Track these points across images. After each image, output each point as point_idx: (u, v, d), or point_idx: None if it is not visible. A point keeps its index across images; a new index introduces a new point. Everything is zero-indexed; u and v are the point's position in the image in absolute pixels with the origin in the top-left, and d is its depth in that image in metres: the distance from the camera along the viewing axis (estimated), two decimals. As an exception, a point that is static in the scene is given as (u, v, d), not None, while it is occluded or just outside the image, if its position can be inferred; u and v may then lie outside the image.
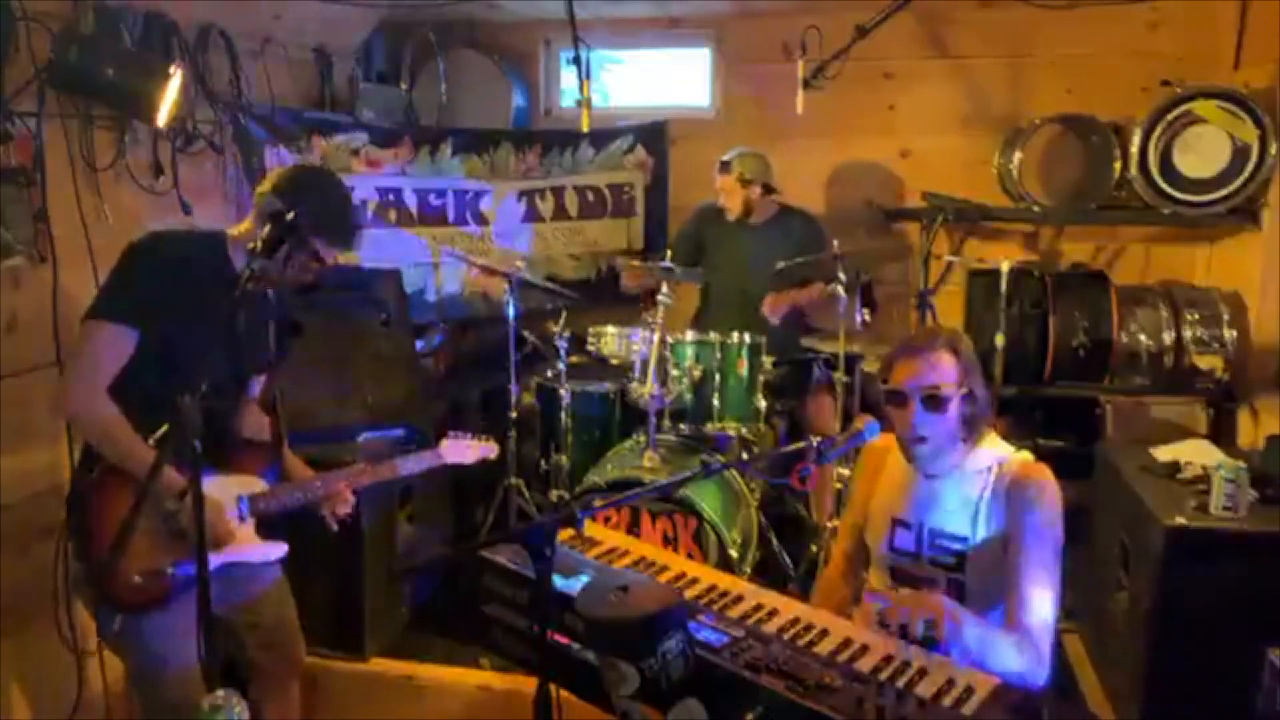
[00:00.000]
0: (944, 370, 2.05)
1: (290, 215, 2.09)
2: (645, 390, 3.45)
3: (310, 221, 2.16)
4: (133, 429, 2.13)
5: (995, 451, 2.12)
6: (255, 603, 2.47)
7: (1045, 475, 2.06)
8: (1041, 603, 1.95)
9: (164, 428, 1.89)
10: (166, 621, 2.16)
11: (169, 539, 2.18)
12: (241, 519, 2.31)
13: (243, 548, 2.32)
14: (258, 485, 2.36)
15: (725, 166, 4.08)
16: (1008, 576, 1.99)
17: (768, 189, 4.12)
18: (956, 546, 2.07)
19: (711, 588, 1.97)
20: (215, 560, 2.21)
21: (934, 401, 2.03)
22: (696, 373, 3.59)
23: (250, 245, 2.12)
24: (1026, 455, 2.13)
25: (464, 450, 2.74)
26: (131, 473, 2.12)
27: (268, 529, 2.39)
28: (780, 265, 3.82)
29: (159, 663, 2.21)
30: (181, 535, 2.17)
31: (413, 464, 2.63)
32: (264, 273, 2.10)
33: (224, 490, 2.29)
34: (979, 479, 2.09)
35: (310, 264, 2.29)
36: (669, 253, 4.01)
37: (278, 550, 2.40)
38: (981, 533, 2.06)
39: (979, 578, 2.05)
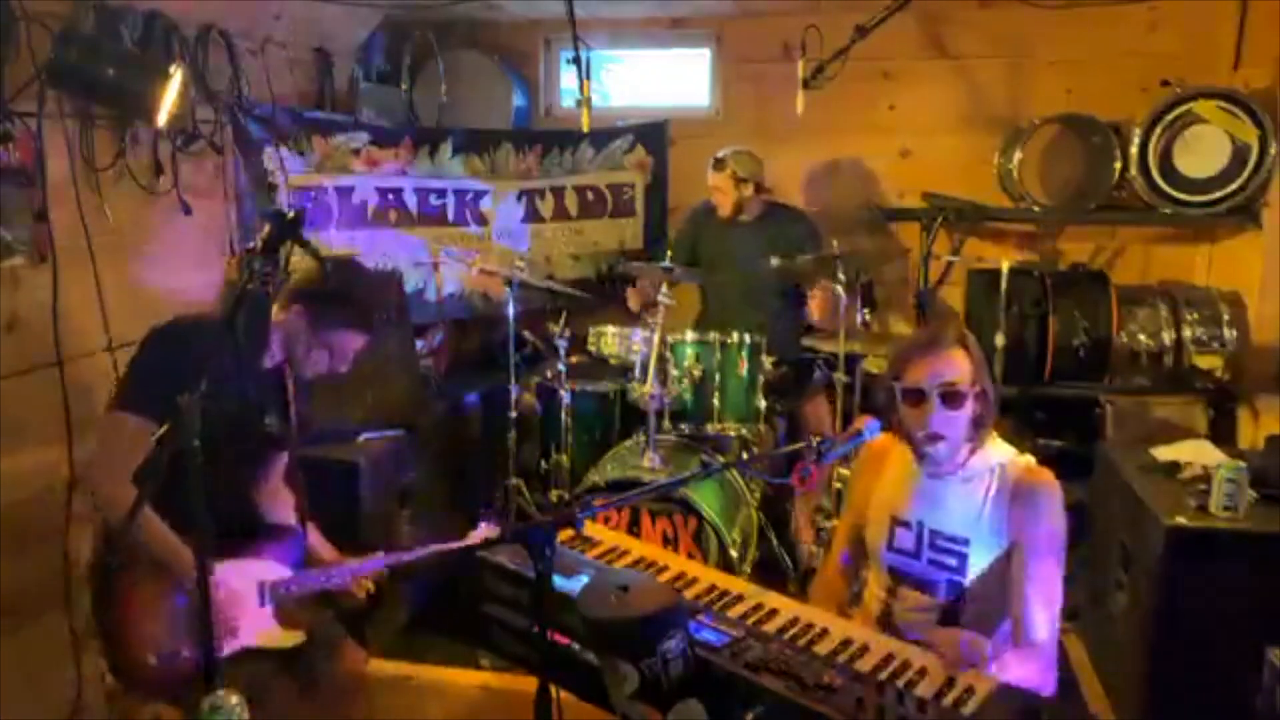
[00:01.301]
0: (960, 366, 2.04)
1: (290, 214, 2.09)
2: (645, 390, 3.46)
3: (344, 325, 2.27)
4: (158, 518, 2.12)
5: (998, 453, 2.12)
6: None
7: (1051, 482, 2.05)
8: (1050, 615, 1.96)
9: (163, 428, 1.89)
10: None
11: (189, 624, 2.17)
12: (261, 603, 2.29)
13: (264, 634, 2.30)
14: (280, 572, 2.34)
15: (719, 163, 4.09)
16: (1014, 585, 1.99)
17: (759, 187, 4.13)
18: (957, 548, 2.07)
19: (711, 588, 1.97)
20: (232, 645, 2.21)
21: (953, 398, 2.02)
22: (696, 373, 3.59)
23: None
24: (1029, 459, 2.12)
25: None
26: (156, 557, 2.12)
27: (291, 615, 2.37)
28: (775, 261, 3.82)
29: None
30: (197, 618, 2.15)
31: (443, 549, 2.56)
32: (265, 273, 2.10)
33: (245, 576, 2.26)
34: (981, 481, 2.09)
35: (323, 348, 2.32)
36: (669, 254, 4.01)
37: (295, 638, 2.36)
38: (984, 535, 2.05)
39: (980, 580, 2.04)
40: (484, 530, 2.56)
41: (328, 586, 2.39)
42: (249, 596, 2.27)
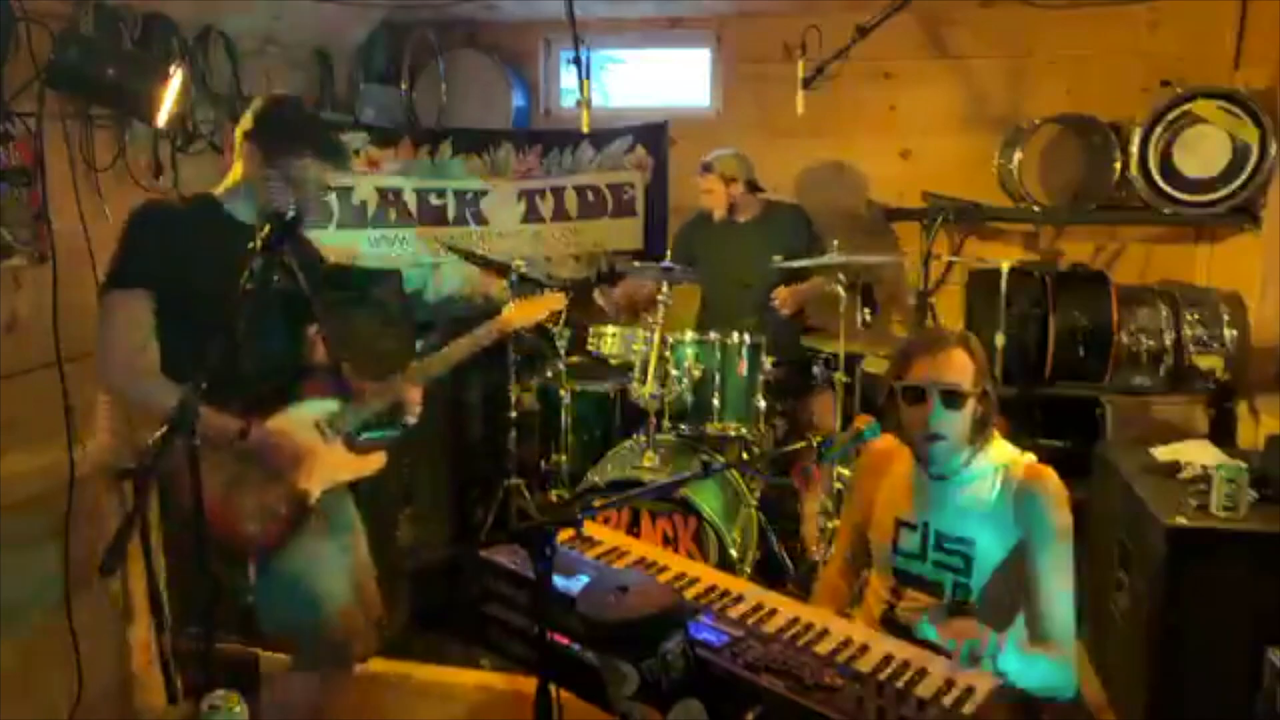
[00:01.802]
0: (962, 367, 2.04)
1: (290, 214, 2.09)
2: (645, 390, 3.46)
3: (300, 148, 2.25)
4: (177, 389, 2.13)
5: (1001, 454, 2.12)
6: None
7: (1054, 479, 2.05)
8: (1064, 614, 1.96)
9: (162, 428, 1.89)
10: (301, 557, 2.23)
11: (262, 478, 2.22)
12: (325, 439, 2.35)
13: (342, 466, 2.37)
14: (329, 406, 2.39)
15: (706, 167, 4.11)
16: (1025, 587, 1.99)
17: (752, 186, 4.13)
18: (963, 549, 2.07)
19: (711, 588, 1.97)
20: (318, 486, 2.29)
21: (953, 399, 2.02)
22: (696, 373, 3.59)
23: (253, 184, 2.17)
24: (1031, 458, 2.12)
25: (529, 308, 2.77)
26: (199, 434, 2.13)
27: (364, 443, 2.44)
28: (777, 260, 3.82)
29: (302, 596, 2.25)
30: (273, 470, 2.21)
31: (475, 339, 2.68)
32: (265, 273, 2.10)
33: (296, 418, 2.32)
34: (986, 482, 2.09)
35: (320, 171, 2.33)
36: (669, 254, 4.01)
37: (377, 460, 2.44)
38: (989, 536, 2.05)
39: (986, 582, 2.04)
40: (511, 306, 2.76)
41: (380, 410, 2.46)
42: (311, 436, 2.33)
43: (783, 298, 3.98)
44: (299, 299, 2.41)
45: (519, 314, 2.78)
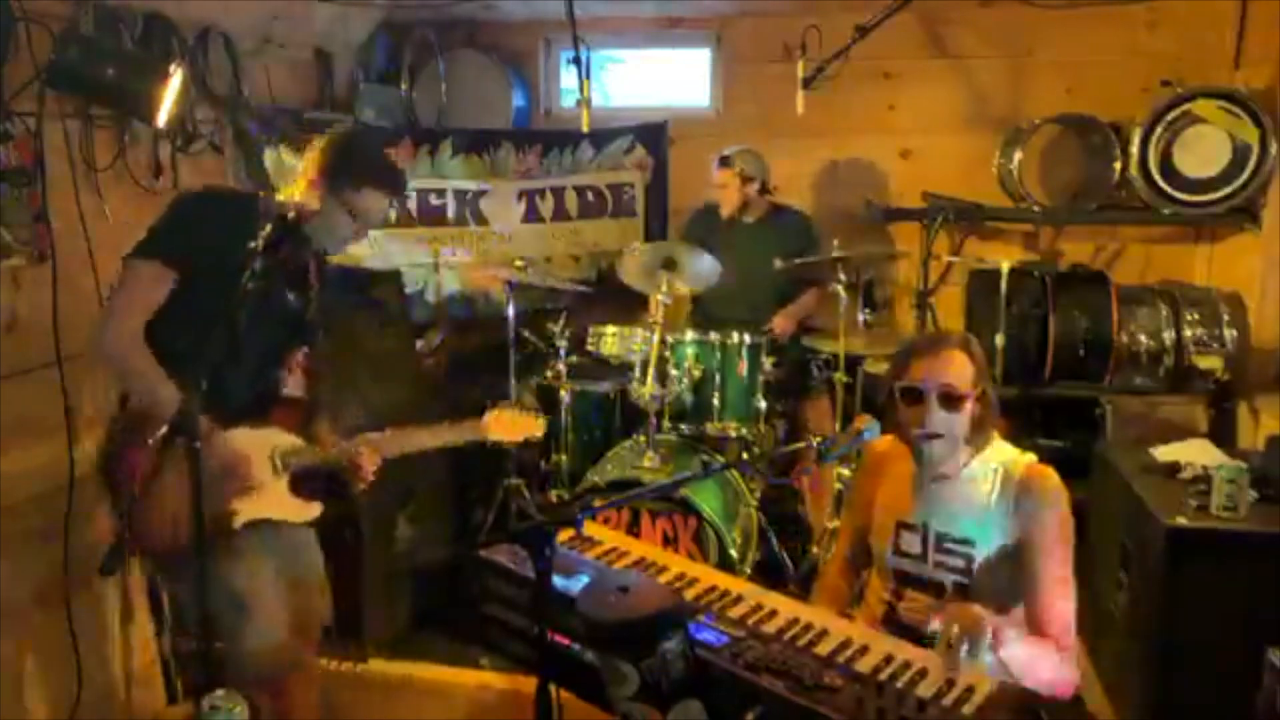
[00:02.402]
0: (960, 369, 2.04)
1: (290, 215, 2.10)
2: (645, 390, 3.46)
3: (369, 182, 2.28)
4: (165, 373, 2.14)
5: (1001, 454, 2.12)
6: (294, 584, 2.44)
7: (1053, 478, 2.05)
8: (1065, 612, 1.96)
9: (164, 428, 1.89)
10: (231, 564, 2.19)
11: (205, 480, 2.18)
12: (274, 472, 2.32)
13: (277, 505, 2.33)
14: (291, 440, 2.36)
15: (725, 161, 4.09)
16: (1027, 585, 1.99)
17: (764, 188, 4.13)
18: (964, 550, 2.07)
19: (711, 588, 1.97)
20: (249, 514, 2.25)
21: (951, 400, 2.03)
22: (696, 373, 3.59)
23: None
24: (1031, 457, 2.12)
25: (509, 426, 2.68)
26: (159, 412, 2.12)
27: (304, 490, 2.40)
28: (779, 265, 3.82)
29: (235, 607, 2.22)
30: (212, 479, 2.14)
31: (450, 434, 2.61)
32: (266, 274, 2.11)
33: (255, 442, 2.29)
34: (986, 482, 2.09)
35: (345, 212, 2.33)
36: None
37: (312, 511, 2.39)
38: (990, 536, 2.05)
39: (988, 582, 2.04)
40: (498, 416, 2.64)
41: (335, 461, 2.41)
42: (262, 463, 2.30)
43: (780, 326, 3.97)
44: (297, 319, 2.41)
45: (499, 428, 2.68)
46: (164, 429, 1.83)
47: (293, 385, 2.48)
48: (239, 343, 1.87)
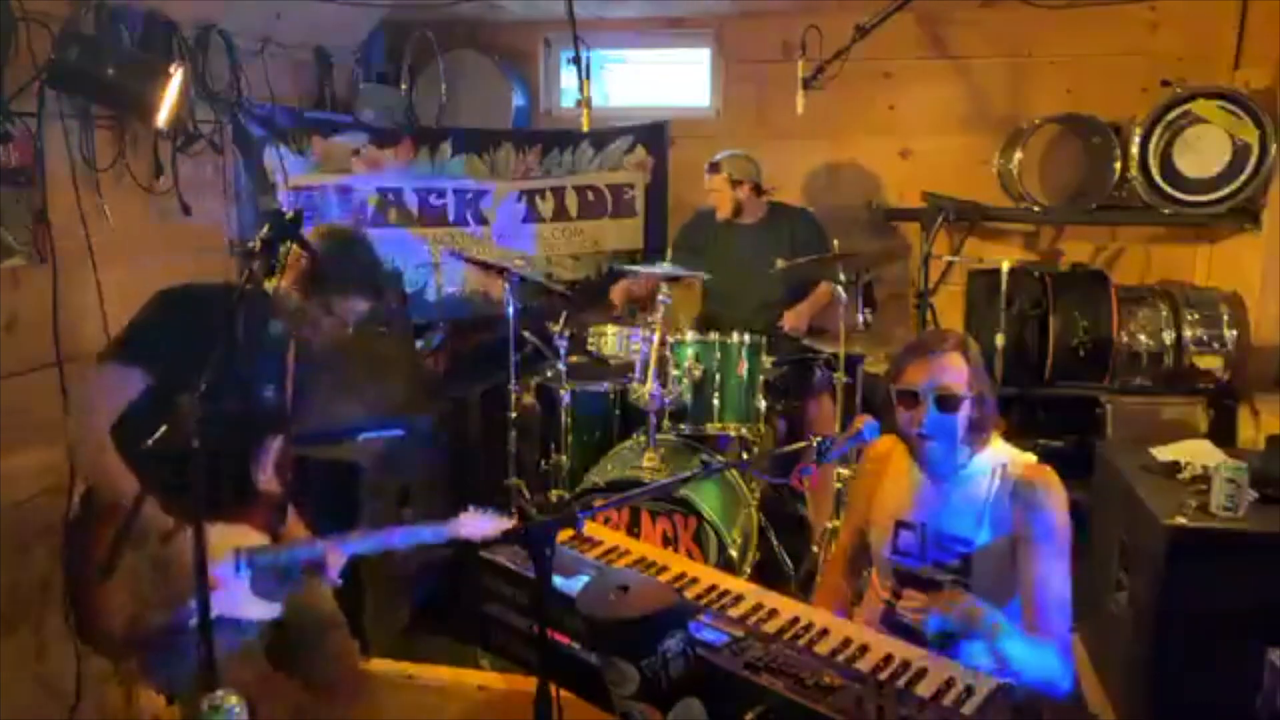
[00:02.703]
0: (956, 372, 2.05)
1: (290, 214, 2.09)
2: (645, 390, 3.45)
3: (354, 289, 2.29)
4: (129, 470, 2.13)
5: (999, 454, 2.13)
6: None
7: (1051, 477, 2.06)
8: (1061, 610, 1.96)
9: (162, 428, 1.89)
10: (174, 655, 2.15)
11: (153, 585, 2.15)
12: (238, 572, 2.27)
13: (234, 603, 2.27)
14: (256, 539, 2.32)
15: (714, 167, 4.11)
16: (1021, 583, 2.00)
17: (758, 189, 4.13)
18: (961, 549, 2.07)
19: (711, 588, 1.97)
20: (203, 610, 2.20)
21: (946, 402, 2.04)
22: (696, 373, 3.59)
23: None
24: (1030, 457, 2.13)
25: (483, 526, 2.67)
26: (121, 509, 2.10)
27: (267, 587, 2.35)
28: (781, 264, 3.82)
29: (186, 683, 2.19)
30: (167, 581, 2.14)
31: (426, 535, 2.54)
32: (264, 275, 2.11)
33: (221, 539, 2.23)
34: (984, 481, 2.09)
35: (324, 313, 2.33)
36: (669, 252, 4.01)
37: (270, 611, 2.33)
38: (987, 535, 2.05)
39: (985, 581, 2.04)
40: (470, 517, 2.55)
41: (302, 561, 2.37)
42: (225, 565, 2.25)
43: (791, 321, 3.98)
44: (272, 411, 2.39)
45: (469, 530, 2.69)
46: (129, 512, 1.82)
47: (266, 480, 2.45)
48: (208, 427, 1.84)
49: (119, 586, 2.10)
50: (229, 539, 2.27)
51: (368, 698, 2.65)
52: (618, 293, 4.25)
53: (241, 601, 2.28)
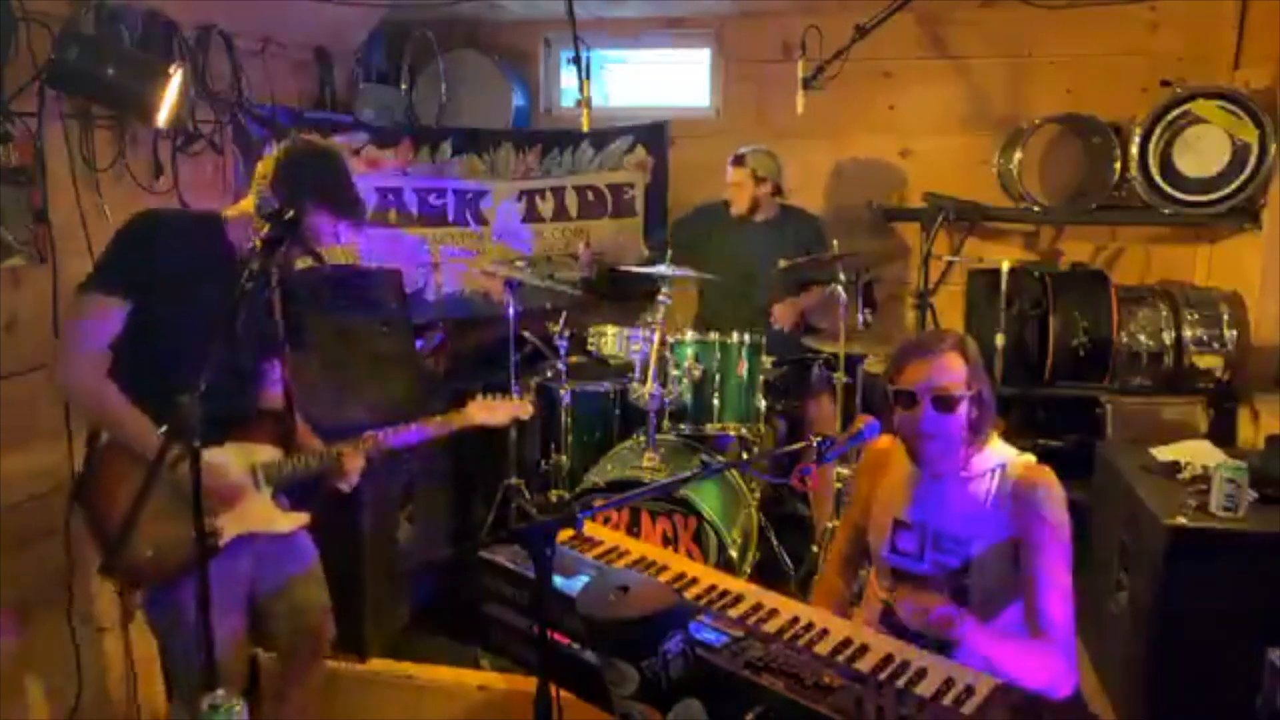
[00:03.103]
0: (953, 372, 2.05)
1: (289, 214, 2.09)
2: (645, 390, 3.45)
3: (314, 200, 2.21)
4: (132, 405, 2.14)
5: (999, 454, 2.12)
6: (287, 590, 2.46)
7: (1051, 478, 2.06)
8: (1062, 611, 1.96)
9: (163, 428, 1.89)
10: (192, 593, 2.17)
11: (179, 508, 2.18)
12: (257, 486, 2.31)
13: (262, 518, 2.32)
14: (271, 453, 2.35)
15: (739, 160, 4.09)
16: (1022, 584, 1.99)
17: (778, 189, 4.13)
18: (960, 550, 2.07)
19: (711, 588, 1.97)
20: (234, 529, 2.24)
21: (944, 402, 2.03)
22: (696, 373, 3.59)
23: (251, 241, 2.12)
24: (1029, 457, 2.12)
25: (493, 410, 2.67)
26: (129, 445, 2.14)
27: (293, 502, 2.40)
28: (783, 264, 3.82)
29: (187, 631, 2.19)
30: (186, 503, 2.15)
31: (437, 426, 2.58)
32: (263, 271, 2.11)
33: (235, 457, 2.29)
34: (983, 481, 2.09)
35: (307, 251, 2.31)
36: (668, 250, 4.00)
37: (298, 520, 2.39)
38: (986, 535, 2.05)
39: (984, 581, 2.04)
40: (481, 403, 2.63)
41: (319, 469, 2.40)
42: (243, 478, 2.29)
43: (780, 315, 3.98)
44: (270, 331, 2.39)
45: (483, 412, 2.68)
46: (156, 453, 1.82)
47: (270, 398, 2.47)
48: (195, 356, 1.82)
49: (146, 520, 2.07)
50: (242, 455, 2.31)
51: (322, 675, 2.65)
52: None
53: (265, 515, 2.33)
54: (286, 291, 2.43)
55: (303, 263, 2.42)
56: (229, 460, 2.27)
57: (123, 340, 2.17)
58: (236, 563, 2.30)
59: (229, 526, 2.24)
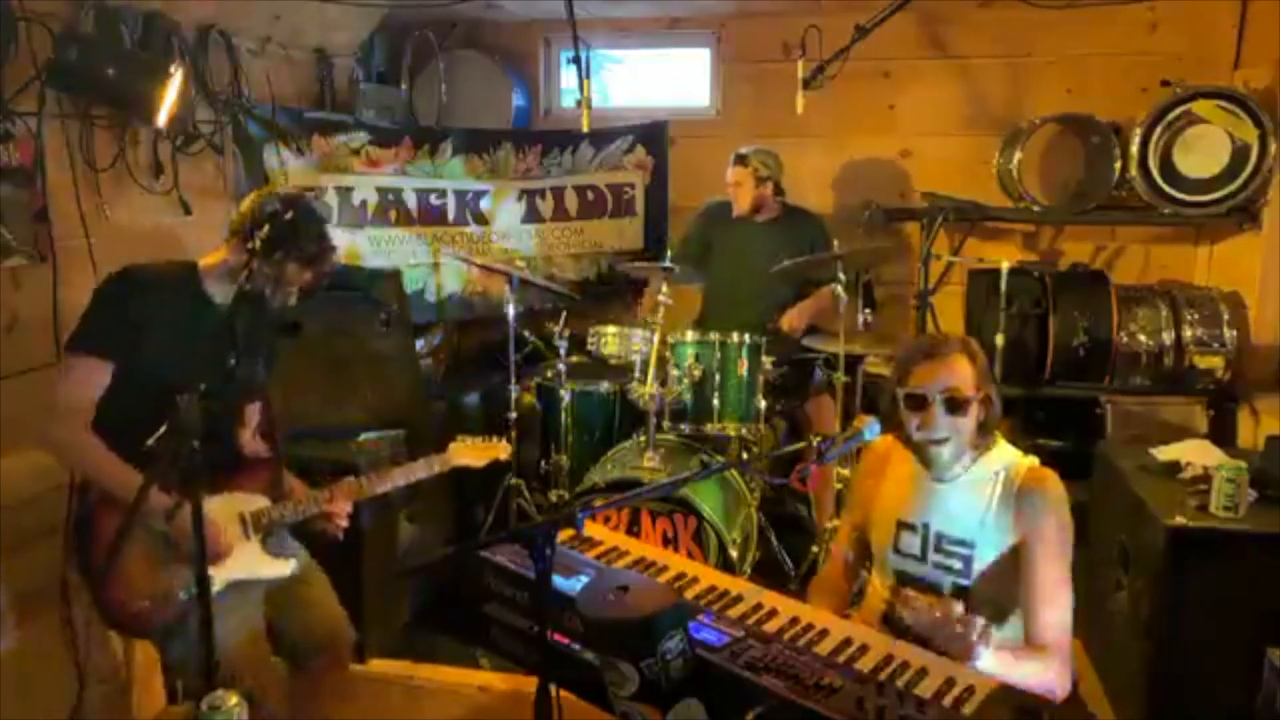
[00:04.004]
0: (963, 373, 2.05)
1: (290, 214, 2.10)
2: (645, 390, 3.45)
3: (286, 252, 2.26)
4: (118, 458, 2.17)
5: (1002, 456, 2.12)
6: (292, 596, 2.47)
7: (1055, 482, 2.05)
8: (1062, 616, 1.96)
9: (162, 428, 1.89)
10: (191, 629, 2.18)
11: (169, 560, 2.20)
12: (246, 536, 2.34)
13: (252, 566, 2.35)
14: (258, 502, 2.38)
15: (741, 159, 4.08)
16: (1023, 587, 1.99)
17: (779, 188, 4.13)
18: (963, 551, 2.07)
19: (711, 588, 1.97)
20: (224, 578, 2.24)
21: (955, 404, 2.03)
22: (696, 373, 3.59)
23: (230, 290, 2.15)
24: (1033, 461, 2.12)
25: (474, 452, 2.72)
26: (115, 496, 2.16)
27: (279, 546, 2.42)
28: (785, 263, 3.82)
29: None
30: (181, 555, 2.18)
31: (419, 470, 2.61)
32: (260, 277, 2.13)
33: (223, 508, 2.30)
34: (986, 484, 2.09)
35: (299, 273, 2.33)
36: (669, 253, 4.01)
37: (286, 566, 2.41)
38: (989, 538, 2.05)
39: (986, 583, 2.04)
40: (461, 445, 2.67)
41: (305, 516, 2.43)
42: (232, 527, 2.31)
43: (789, 322, 3.98)
44: (253, 374, 2.41)
45: (465, 455, 2.71)
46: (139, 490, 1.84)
47: (253, 446, 2.49)
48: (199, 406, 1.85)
49: (136, 568, 2.15)
50: (231, 506, 2.33)
51: (355, 698, 2.66)
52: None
53: (255, 563, 2.35)
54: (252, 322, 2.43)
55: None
56: (218, 510, 2.29)
57: (110, 395, 2.20)
58: (236, 606, 2.32)
59: (219, 575, 2.24)
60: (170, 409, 1.80)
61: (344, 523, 2.49)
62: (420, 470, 2.61)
